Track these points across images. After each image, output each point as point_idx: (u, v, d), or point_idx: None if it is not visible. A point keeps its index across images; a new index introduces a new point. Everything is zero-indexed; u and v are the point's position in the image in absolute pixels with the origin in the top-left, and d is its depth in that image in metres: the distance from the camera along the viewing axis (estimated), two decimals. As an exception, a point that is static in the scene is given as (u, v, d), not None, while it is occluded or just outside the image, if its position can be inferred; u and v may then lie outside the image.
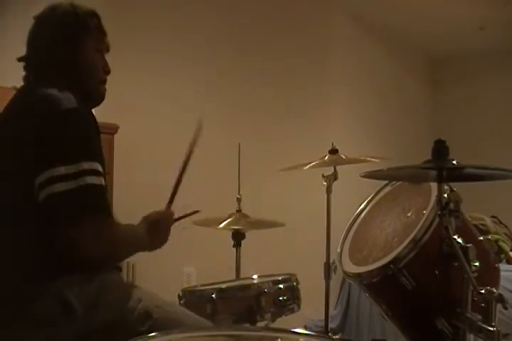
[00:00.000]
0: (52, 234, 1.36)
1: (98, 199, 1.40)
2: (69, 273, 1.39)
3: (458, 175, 1.82)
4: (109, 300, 1.41)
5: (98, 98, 1.65)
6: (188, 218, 1.83)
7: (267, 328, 1.71)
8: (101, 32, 1.67)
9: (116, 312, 1.40)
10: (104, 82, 1.67)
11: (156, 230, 1.62)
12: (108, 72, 1.68)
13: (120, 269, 1.61)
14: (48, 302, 1.36)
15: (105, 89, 1.67)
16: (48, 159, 1.37)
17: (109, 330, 1.37)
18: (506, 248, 4.37)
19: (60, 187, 1.34)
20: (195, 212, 1.85)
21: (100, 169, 1.41)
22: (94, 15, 1.65)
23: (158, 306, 1.47)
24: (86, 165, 1.37)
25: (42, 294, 1.36)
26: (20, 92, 1.59)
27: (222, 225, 2.58)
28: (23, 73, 1.62)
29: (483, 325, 1.58)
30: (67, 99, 1.44)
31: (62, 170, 1.35)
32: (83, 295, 1.38)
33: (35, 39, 1.62)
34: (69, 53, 1.58)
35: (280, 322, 1.91)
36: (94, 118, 1.47)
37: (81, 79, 1.60)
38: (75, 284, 1.39)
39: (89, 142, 1.44)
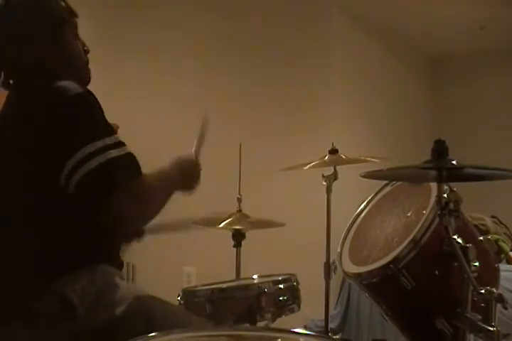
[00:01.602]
0: (95, 209, 1.40)
1: (131, 166, 1.44)
2: (70, 272, 1.39)
3: (458, 175, 1.82)
4: (110, 300, 1.41)
5: (87, 80, 1.64)
6: (188, 218, 1.83)
7: (267, 328, 1.71)
8: (72, 14, 1.61)
9: (116, 312, 1.39)
10: (88, 62, 1.65)
11: (187, 170, 1.66)
12: (88, 52, 1.65)
13: (121, 267, 1.60)
14: (49, 301, 1.36)
15: (90, 70, 1.65)
16: (73, 144, 1.38)
17: (109, 330, 1.37)
18: (506, 248, 4.37)
19: (93, 163, 1.37)
20: None
21: (120, 139, 1.45)
22: None
23: (158, 307, 1.47)
24: (108, 140, 1.40)
25: (43, 293, 1.36)
26: (15, 96, 1.55)
27: (222, 225, 2.58)
28: None
29: (483, 325, 1.58)
30: (71, 85, 1.44)
31: (90, 148, 1.37)
32: (84, 295, 1.38)
33: (5, 37, 1.54)
34: (51, 49, 1.54)
35: (280, 322, 1.91)
36: (95, 97, 1.47)
37: (69, 68, 1.57)
38: (76, 284, 1.39)
39: (104, 119, 1.46)
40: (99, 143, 1.38)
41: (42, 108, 1.44)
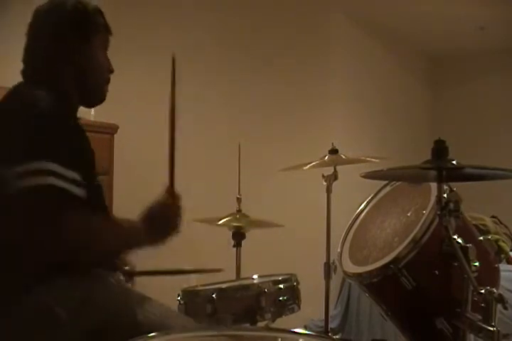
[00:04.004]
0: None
1: (48, 200, 1.32)
2: (51, 278, 1.35)
3: (458, 175, 1.82)
4: (96, 307, 1.38)
5: (101, 97, 1.63)
6: (187, 216, 1.81)
7: (267, 328, 1.71)
8: (107, 30, 1.64)
9: (103, 319, 1.37)
10: (109, 81, 1.65)
11: (153, 224, 1.49)
12: (112, 72, 1.65)
13: (115, 269, 1.58)
14: (29, 308, 1.33)
15: (107, 89, 1.65)
16: (12, 156, 1.33)
17: (96, 335, 1.34)
18: (506, 248, 4.37)
19: (32, 180, 1.29)
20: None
21: (49, 167, 1.32)
22: (100, 12, 1.62)
23: (147, 310, 1.44)
24: (32, 166, 1.31)
25: (23, 301, 1.33)
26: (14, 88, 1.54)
27: (222, 221, 2.57)
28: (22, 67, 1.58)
29: (483, 325, 1.58)
30: (32, 97, 1.41)
31: (35, 165, 1.30)
32: (67, 301, 1.35)
33: (38, 35, 1.57)
34: (78, 52, 1.55)
35: (280, 322, 1.91)
36: (65, 116, 1.43)
37: (88, 78, 1.58)
38: (58, 290, 1.36)
39: (41, 140, 1.36)
40: (30, 166, 1.30)
41: (9, 112, 1.42)
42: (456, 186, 1.87)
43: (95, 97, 1.62)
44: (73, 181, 1.35)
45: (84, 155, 1.46)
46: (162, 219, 1.52)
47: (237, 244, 2.66)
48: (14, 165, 1.30)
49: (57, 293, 1.36)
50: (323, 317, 2.89)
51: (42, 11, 1.59)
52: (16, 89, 1.50)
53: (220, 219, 2.59)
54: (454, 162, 1.71)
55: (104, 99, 1.64)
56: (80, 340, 1.35)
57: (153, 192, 1.59)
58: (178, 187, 1.70)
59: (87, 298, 1.38)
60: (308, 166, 2.75)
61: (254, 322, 1.94)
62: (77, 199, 1.36)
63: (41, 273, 1.35)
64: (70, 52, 1.55)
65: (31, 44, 1.58)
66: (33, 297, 1.34)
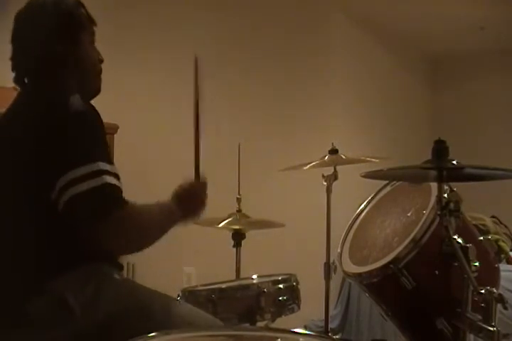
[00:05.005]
0: (78, 234, 1.38)
1: (118, 196, 1.41)
2: (67, 272, 1.39)
3: (458, 175, 1.82)
4: (108, 300, 1.41)
5: (98, 89, 1.64)
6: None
7: (266, 328, 1.71)
8: (91, 21, 1.63)
9: (114, 312, 1.39)
10: (101, 71, 1.66)
11: (184, 201, 1.60)
12: (102, 61, 1.66)
13: (122, 268, 1.60)
14: (44, 302, 1.36)
15: (101, 80, 1.66)
16: (66, 162, 1.37)
17: (107, 330, 1.36)
18: (506, 248, 4.37)
19: (81, 187, 1.35)
20: None
21: (116, 171, 1.41)
22: (81, 4, 1.61)
23: (157, 301, 1.47)
24: (102, 166, 1.38)
25: (39, 294, 1.36)
26: (25, 94, 1.57)
27: (221, 224, 2.58)
28: (13, 74, 1.58)
29: (483, 325, 1.58)
30: (77, 101, 1.43)
31: (81, 170, 1.36)
32: (81, 295, 1.38)
33: (25, 38, 1.56)
34: (68, 50, 1.55)
35: (280, 322, 1.91)
36: (100, 118, 1.46)
37: (82, 74, 1.58)
38: (73, 284, 1.39)
39: (103, 142, 1.45)
40: (91, 167, 1.36)
41: (44, 118, 1.43)
42: (456, 186, 1.87)
43: (93, 90, 1.63)
44: (116, 175, 1.42)
45: (108, 148, 1.52)
46: (192, 196, 1.63)
47: (237, 244, 2.66)
48: (86, 165, 1.36)
49: (72, 286, 1.38)
50: (323, 317, 2.89)
51: (24, 16, 1.58)
52: (43, 96, 1.50)
53: (220, 220, 2.59)
54: (454, 162, 1.71)
55: (100, 91, 1.65)
56: (90, 334, 1.36)
57: (153, 191, 1.59)
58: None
59: (99, 292, 1.41)
60: (308, 166, 2.75)
61: (253, 322, 1.94)
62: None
63: (53, 268, 1.38)
64: (63, 52, 1.54)
65: (23, 49, 1.57)
66: (46, 291, 1.36)
